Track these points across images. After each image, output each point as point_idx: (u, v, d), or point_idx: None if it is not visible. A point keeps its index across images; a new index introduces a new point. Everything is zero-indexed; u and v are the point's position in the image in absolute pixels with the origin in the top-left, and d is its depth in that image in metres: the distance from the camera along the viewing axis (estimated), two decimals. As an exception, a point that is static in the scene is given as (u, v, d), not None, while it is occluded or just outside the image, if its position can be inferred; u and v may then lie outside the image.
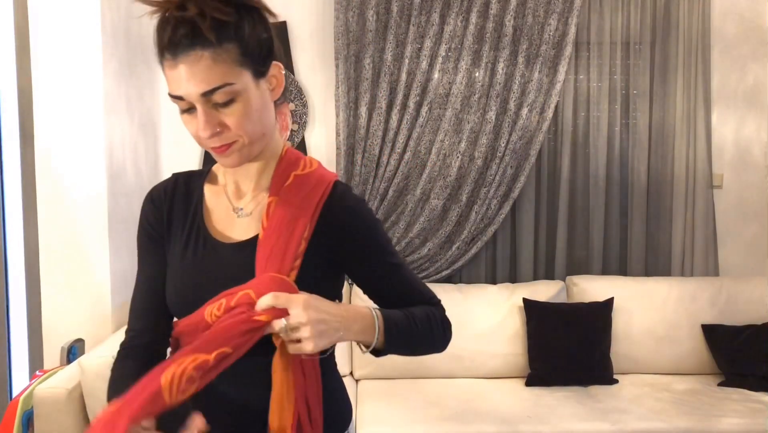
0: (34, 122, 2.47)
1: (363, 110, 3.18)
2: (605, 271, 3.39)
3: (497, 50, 3.19)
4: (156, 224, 1.10)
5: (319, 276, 1.02)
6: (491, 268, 3.40)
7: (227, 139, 0.96)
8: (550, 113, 3.22)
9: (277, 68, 1.01)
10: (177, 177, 1.13)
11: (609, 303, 3.03)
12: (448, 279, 3.33)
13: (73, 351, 2.45)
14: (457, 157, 3.21)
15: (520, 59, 3.17)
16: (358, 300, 2.93)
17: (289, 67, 3.23)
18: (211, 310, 0.97)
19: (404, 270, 1.12)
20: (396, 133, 3.21)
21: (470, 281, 3.36)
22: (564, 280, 3.26)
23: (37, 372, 2.34)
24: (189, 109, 0.95)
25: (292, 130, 3.25)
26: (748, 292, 3.13)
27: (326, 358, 1.04)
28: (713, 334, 3.04)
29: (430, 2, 3.15)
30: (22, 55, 2.45)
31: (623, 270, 3.41)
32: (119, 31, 2.71)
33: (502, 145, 3.21)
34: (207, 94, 0.92)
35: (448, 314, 1.15)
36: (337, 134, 3.20)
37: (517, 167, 3.26)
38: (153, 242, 1.10)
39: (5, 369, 2.48)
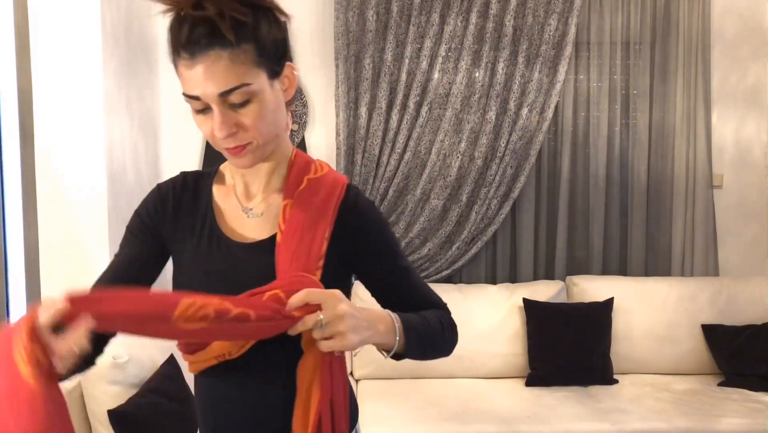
0: (34, 122, 2.47)
1: (363, 110, 3.18)
2: (605, 271, 3.39)
3: (497, 50, 3.19)
4: (155, 216, 1.09)
5: (335, 277, 1.02)
6: (491, 268, 3.40)
7: (242, 140, 0.96)
8: (550, 113, 3.22)
9: (290, 69, 1.01)
10: (185, 175, 1.13)
11: (609, 303, 3.03)
12: (448, 279, 3.33)
13: (73, 351, 2.45)
14: (457, 157, 3.21)
15: (520, 59, 3.17)
16: (357, 300, 2.93)
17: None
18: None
19: (412, 273, 1.12)
20: (396, 133, 3.21)
21: (470, 281, 3.36)
22: (564, 280, 3.26)
23: (37, 372, 2.34)
24: (204, 110, 0.95)
25: (292, 130, 3.25)
26: (748, 292, 3.13)
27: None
28: (713, 334, 3.03)
29: (430, 2, 3.15)
30: (22, 55, 2.45)
31: (623, 270, 3.41)
32: (119, 31, 2.71)
33: (502, 145, 3.21)
34: (224, 95, 0.92)
35: None
36: (337, 134, 3.20)
37: (517, 167, 3.26)
38: (143, 233, 1.09)
39: (5, 369, 2.48)
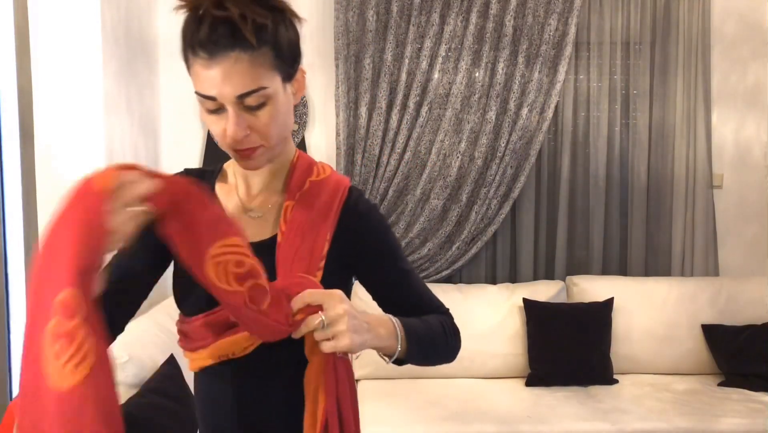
0: (34, 122, 2.47)
1: (363, 110, 3.18)
2: (605, 271, 3.39)
3: (497, 50, 3.19)
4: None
5: (336, 279, 1.02)
6: (491, 268, 3.40)
7: (253, 142, 0.96)
8: (550, 113, 3.22)
9: (301, 72, 1.01)
10: (188, 173, 1.13)
11: (609, 303, 3.03)
12: (448, 279, 3.33)
13: (73, 351, 2.45)
14: (457, 157, 3.21)
15: (520, 59, 3.17)
16: (357, 301, 2.93)
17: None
18: None
19: (413, 277, 1.12)
20: (396, 133, 3.21)
21: (470, 281, 3.36)
22: (564, 280, 3.26)
23: (37, 372, 2.33)
24: (217, 110, 0.94)
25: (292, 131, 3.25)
26: (748, 292, 3.13)
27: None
28: (713, 334, 3.03)
29: (430, 2, 3.15)
30: (22, 55, 2.45)
31: (623, 270, 3.41)
32: (119, 31, 2.71)
33: (502, 145, 3.21)
34: (242, 97, 0.91)
35: None
36: (337, 134, 3.20)
37: (517, 167, 3.26)
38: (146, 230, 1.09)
39: (5, 369, 2.48)
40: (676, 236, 3.36)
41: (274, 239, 1.02)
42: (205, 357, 1.01)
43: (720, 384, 2.93)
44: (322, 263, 1.01)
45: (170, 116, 3.27)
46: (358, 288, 1.15)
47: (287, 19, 0.96)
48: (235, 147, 0.96)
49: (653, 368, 3.07)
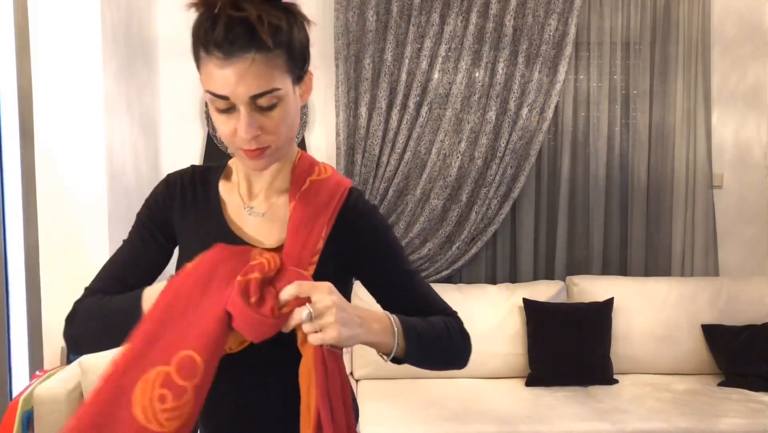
0: (34, 122, 2.47)
1: (363, 110, 3.18)
2: (605, 271, 3.39)
3: (497, 50, 3.19)
4: (163, 206, 1.10)
5: (332, 280, 1.01)
6: (491, 268, 3.40)
7: (262, 143, 0.96)
8: (550, 113, 3.22)
9: (309, 75, 1.02)
10: (194, 168, 1.14)
11: (609, 303, 3.03)
12: (448, 279, 3.33)
13: (73, 351, 2.45)
14: (457, 157, 3.21)
15: (520, 59, 3.17)
16: (357, 300, 2.93)
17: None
18: None
19: (416, 278, 1.11)
20: (396, 133, 3.21)
21: (470, 281, 3.36)
22: (564, 280, 3.26)
23: (37, 372, 2.34)
24: (227, 110, 0.94)
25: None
26: (748, 292, 3.13)
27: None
28: (713, 334, 3.03)
29: (430, 2, 3.15)
30: (22, 55, 2.45)
31: (623, 270, 3.41)
32: (119, 31, 2.71)
33: (502, 145, 3.21)
34: (255, 98, 0.92)
35: None
36: (337, 134, 3.20)
37: (517, 167, 3.26)
38: (153, 222, 1.10)
39: (5, 369, 2.48)
40: (676, 236, 3.36)
41: (281, 247, 1.02)
42: None
43: (720, 384, 2.93)
44: (315, 258, 1.00)
45: (170, 116, 3.27)
46: (358, 288, 1.15)
47: (299, 21, 0.97)
48: (245, 147, 0.96)
49: (653, 368, 3.07)
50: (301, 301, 0.91)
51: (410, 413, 2.64)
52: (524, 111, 3.19)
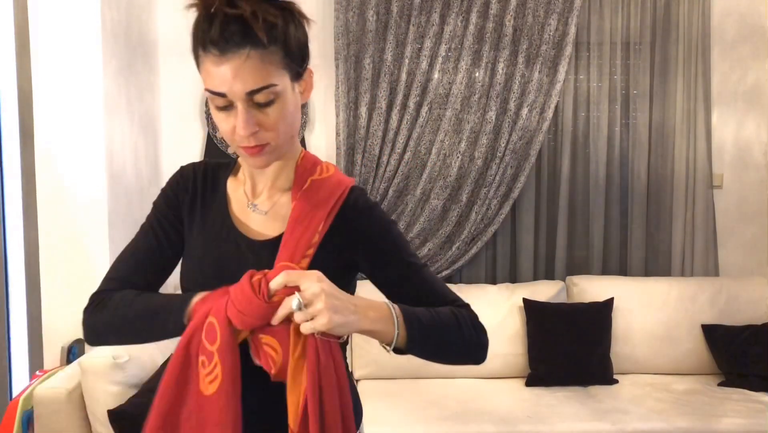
0: (34, 122, 2.47)
1: (363, 110, 3.18)
2: (605, 271, 3.39)
3: (497, 50, 3.19)
4: (176, 196, 1.12)
5: (330, 275, 1.00)
6: (491, 268, 3.40)
7: (262, 140, 0.97)
8: (550, 113, 3.22)
9: (309, 72, 1.03)
10: (207, 163, 1.15)
11: (609, 303, 3.03)
12: (448, 279, 3.33)
13: (73, 351, 2.45)
14: (457, 157, 3.21)
15: (520, 59, 3.17)
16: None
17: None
18: None
19: (425, 271, 1.10)
20: (396, 134, 3.21)
21: (470, 281, 3.36)
22: (564, 280, 3.26)
23: (37, 372, 2.34)
24: (226, 107, 0.96)
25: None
26: (748, 292, 3.13)
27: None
28: (713, 334, 3.04)
29: (430, 2, 3.15)
30: (22, 55, 2.45)
31: (623, 270, 3.41)
32: (119, 31, 2.71)
33: (502, 145, 3.21)
34: (251, 94, 0.93)
35: None
36: (337, 134, 3.20)
37: (517, 167, 3.26)
38: (170, 209, 1.11)
39: (5, 369, 2.48)
40: (676, 236, 3.36)
41: (279, 237, 1.03)
42: None
43: (720, 384, 2.93)
44: (311, 251, 1.01)
45: (170, 116, 3.27)
46: (361, 286, 1.15)
47: (296, 19, 0.98)
48: (244, 144, 0.97)
49: (653, 368, 3.07)
50: (290, 290, 0.91)
51: (410, 413, 2.63)
52: (524, 111, 3.19)
